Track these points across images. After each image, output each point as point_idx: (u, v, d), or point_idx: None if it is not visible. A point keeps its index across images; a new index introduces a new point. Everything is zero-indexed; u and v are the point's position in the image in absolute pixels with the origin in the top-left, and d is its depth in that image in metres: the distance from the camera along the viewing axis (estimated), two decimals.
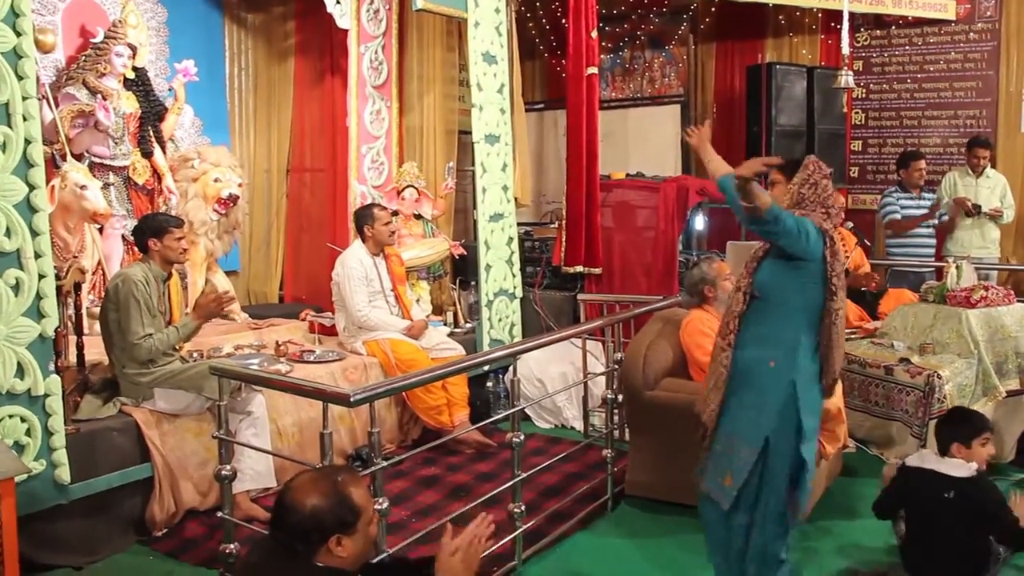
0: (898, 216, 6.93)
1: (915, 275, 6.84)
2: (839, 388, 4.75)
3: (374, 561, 2.40)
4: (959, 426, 3.63)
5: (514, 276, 6.39)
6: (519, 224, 6.73)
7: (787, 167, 3.19)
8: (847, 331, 5.87)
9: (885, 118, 8.38)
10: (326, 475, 2.26)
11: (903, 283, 6.76)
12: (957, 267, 5.56)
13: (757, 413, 3.06)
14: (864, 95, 8.41)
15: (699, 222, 7.29)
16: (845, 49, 6.15)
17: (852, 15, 6.83)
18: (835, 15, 7.61)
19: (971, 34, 7.86)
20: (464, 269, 6.99)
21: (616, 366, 4.85)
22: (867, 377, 5.34)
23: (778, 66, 7.75)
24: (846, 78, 6.30)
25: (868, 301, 6.25)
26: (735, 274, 3.45)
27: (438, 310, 6.87)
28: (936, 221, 6.95)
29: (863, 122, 8.50)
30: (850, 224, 6.53)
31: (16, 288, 3.57)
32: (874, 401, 5.29)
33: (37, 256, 3.62)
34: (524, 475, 3.99)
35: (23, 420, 3.63)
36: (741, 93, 8.40)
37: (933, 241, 7.05)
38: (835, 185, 7.78)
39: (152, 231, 4.43)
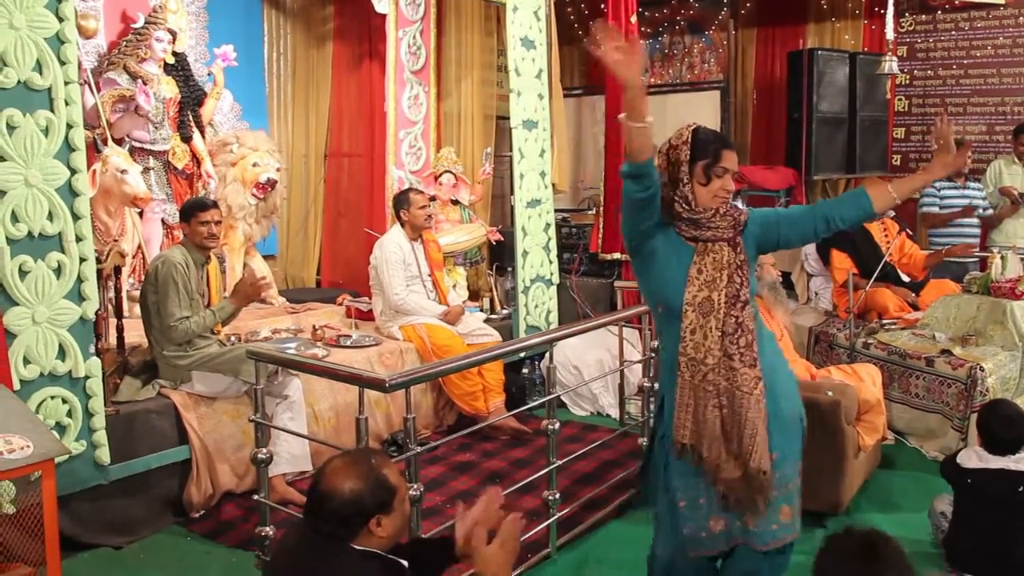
0: (935, 209, 6.83)
1: (958, 265, 6.72)
2: (879, 379, 4.71)
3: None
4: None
5: (551, 263, 6.37)
6: (556, 210, 6.70)
7: None
8: (887, 321, 5.83)
9: (929, 105, 8.22)
10: (358, 458, 2.27)
11: (946, 273, 6.65)
12: (1002, 257, 5.47)
13: (796, 425, 2.72)
14: (908, 81, 8.26)
15: None
16: (889, 34, 6.06)
17: None
18: (879, 0, 7.48)
19: (1020, 19, 7.67)
20: (501, 255, 6.98)
21: (652, 354, 4.81)
22: (907, 368, 5.27)
23: (820, 52, 7.64)
24: (890, 64, 6.20)
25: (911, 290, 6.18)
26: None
27: (474, 296, 6.87)
28: (978, 216, 6.82)
29: (906, 109, 8.34)
30: (892, 212, 6.43)
31: (58, 271, 3.62)
32: (914, 393, 5.23)
33: (78, 239, 3.67)
34: (559, 462, 3.98)
35: (64, 401, 3.68)
36: (782, 79, 8.28)
37: (978, 231, 6.92)
38: (877, 173, 7.68)
39: (182, 215, 4.49)
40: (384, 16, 6.48)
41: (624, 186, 2.50)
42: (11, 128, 3.45)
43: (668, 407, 2.69)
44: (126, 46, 5.83)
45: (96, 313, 3.78)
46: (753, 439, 2.57)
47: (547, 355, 4.08)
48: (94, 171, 4.87)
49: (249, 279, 4.59)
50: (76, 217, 3.66)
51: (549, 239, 6.35)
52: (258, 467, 3.70)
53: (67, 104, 3.60)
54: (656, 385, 4.75)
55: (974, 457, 3.54)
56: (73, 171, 3.64)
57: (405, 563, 2.29)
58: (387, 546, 2.24)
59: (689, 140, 2.62)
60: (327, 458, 2.33)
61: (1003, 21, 7.74)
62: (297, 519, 3.24)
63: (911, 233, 6.61)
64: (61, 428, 3.68)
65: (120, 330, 4.44)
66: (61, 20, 3.58)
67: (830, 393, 4.10)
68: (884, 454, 4.93)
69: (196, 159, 6.10)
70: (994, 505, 3.44)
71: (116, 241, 5.19)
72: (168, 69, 6.01)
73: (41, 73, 3.52)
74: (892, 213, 6.40)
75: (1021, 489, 3.40)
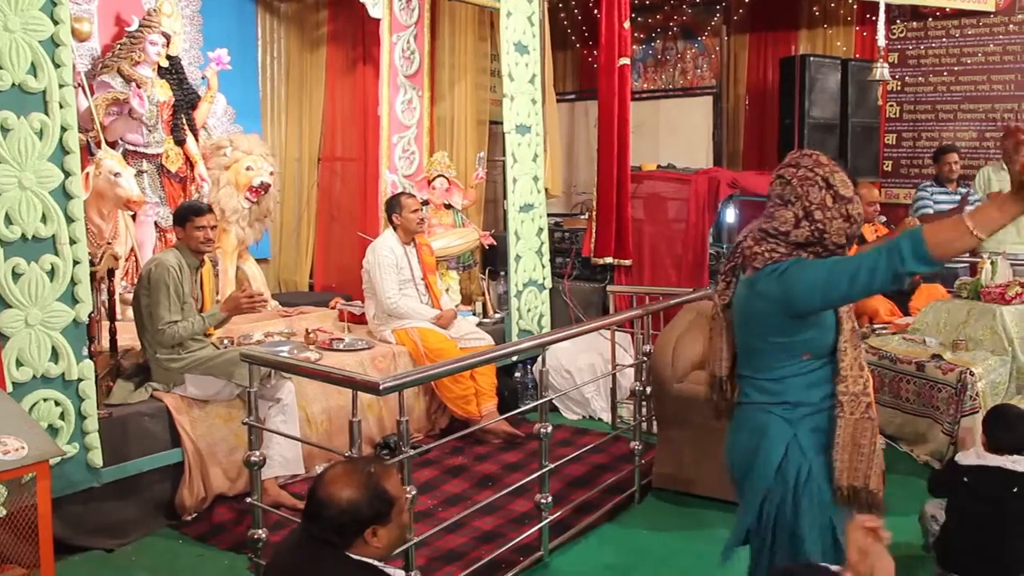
0: (930, 211, 6.86)
1: (948, 270, 6.75)
2: (871, 384, 4.71)
3: None
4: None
5: (543, 267, 6.38)
6: (549, 215, 6.71)
7: None
8: (879, 326, 5.85)
9: (920, 111, 8.27)
10: (359, 467, 2.25)
11: (936, 278, 6.68)
12: (992, 263, 5.49)
13: None
14: (899, 88, 8.31)
15: (730, 214, 7.24)
16: (881, 41, 6.08)
17: (888, 6, 6.74)
18: (871, 6, 7.51)
19: (1011, 26, 7.72)
20: (494, 259, 6.99)
21: (645, 358, 4.83)
22: (898, 373, 5.29)
23: (812, 58, 7.69)
24: (881, 70, 6.22)
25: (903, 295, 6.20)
26: None
27: (467, 300, 6.88)
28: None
29: (898, 115, 8.39)
30: (883, 218, 6.46)
31: (51, 274, 3.62)
32: (905, 397, 5.24)
33: (72, 242, 3.68)
34: (551, 466, 3.99)
35: (57, 404, 3.69)
36: (774, 85, 8.33)
37: None
38: (869, 179, 7.70)
39: (176, 220, 4.48)
40: (378, 21, 6.50)
41: (898, 276, 2.28)
42: (5, 131, 3.45)
43: (816, 460, 2.53)
44: (120, 49, 5.84)
45: (89, 316, 3.79)
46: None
47: (539, 359, 4.09)
48: (87, 174, 4.85)
49: (243, 291, 4.57)
50: (70, 220, 3.67)
51: (542, 243, 6.36)
52: (251, 470, 3.70)
53: (61, 107, 3.61)
54: (648, 388, 4.80)
55: (972, 454, 3.55)
56: (67, 174, 3.65)
57: (401, 574, 2.29)
58: (383, 556, 2.23)
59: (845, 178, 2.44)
60: (329, 464, 2.32)
61: (993, 28, 7.79)
62: (293, 524, 3.24)
63: None
64: (54, 430, 3.68)
65: (113, 333, 4.45)
66: (56, 23, 3.59)
67: None
68: None
69: (189, 162, 6.11)
70: (988, 505, 3.44)
71: (109, 244, 5.17)
72: (162, 72, 6.02)
73: (36, 76, 3.53)
74: (883, 218, 6.44)
75: (1016, 490, 3.40)
